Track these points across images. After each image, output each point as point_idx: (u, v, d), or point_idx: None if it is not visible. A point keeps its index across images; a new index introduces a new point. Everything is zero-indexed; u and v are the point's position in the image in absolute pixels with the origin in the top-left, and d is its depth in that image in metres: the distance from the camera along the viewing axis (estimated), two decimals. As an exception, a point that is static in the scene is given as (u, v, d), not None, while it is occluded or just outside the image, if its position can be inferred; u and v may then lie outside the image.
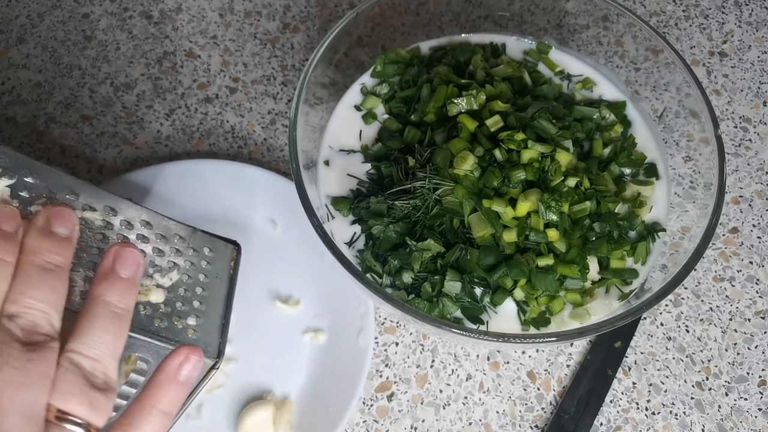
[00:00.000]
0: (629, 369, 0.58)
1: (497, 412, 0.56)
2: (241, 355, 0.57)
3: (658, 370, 0.58)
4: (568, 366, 0.58)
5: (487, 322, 0.51)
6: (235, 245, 0.49)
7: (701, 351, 0.59)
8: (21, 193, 0.40)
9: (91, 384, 0.36)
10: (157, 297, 0.43)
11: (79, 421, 0.35)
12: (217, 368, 0.45)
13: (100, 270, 0.40)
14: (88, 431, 0.36)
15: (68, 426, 0.35)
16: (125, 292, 0.39)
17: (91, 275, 0.41)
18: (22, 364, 0.34)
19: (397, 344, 0.58)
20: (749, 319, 0.60)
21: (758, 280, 0.62)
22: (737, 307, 0.61)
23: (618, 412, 0.56)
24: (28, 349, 0.34)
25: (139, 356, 0.42)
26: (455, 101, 0.55)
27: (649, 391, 0.57)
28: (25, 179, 0.41)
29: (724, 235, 0.64)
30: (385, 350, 0.58)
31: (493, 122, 0.53)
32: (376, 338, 0.57)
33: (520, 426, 0.56)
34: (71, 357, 0.36)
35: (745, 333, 0.60)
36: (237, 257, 0.49)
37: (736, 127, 0.70)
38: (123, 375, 0.43)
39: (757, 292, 0.62)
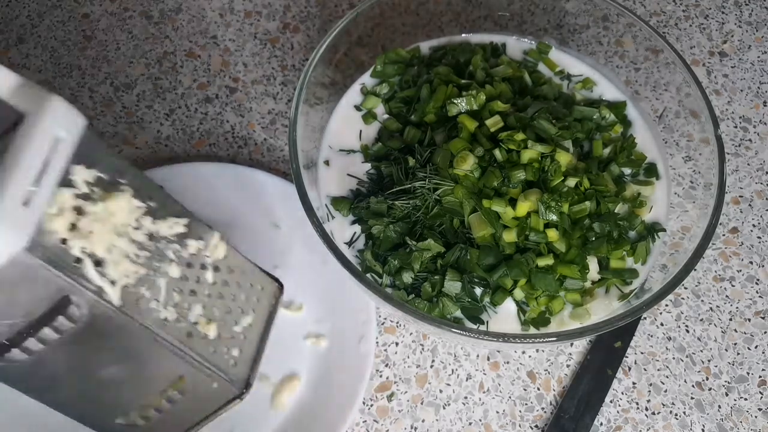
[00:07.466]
0: (629, 369, 0.58)
1: (497, 412, 0.56)
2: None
3: (658, 370, 0.58)
4: (568, 366, 0.58)
5: (487, 322, 0.51)
6: (279, 284, 0.51)
7: (701, 351, 0.59)
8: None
9: None
10: (213, 332, 0.45)
11: None
12: (242, 400, 0.47)
13: None
14: None
15: None
16: None
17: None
18: None
19: (397, 344, 0.58)
20: (749, 319, 0.60)
21: (758, 280, 0.62)
22: (737, 307, 0.61)
23: (618, 412, 0.56)
24: None
25: (187, 377, 0.44)
26: (455, 101, 0.55)
27: (649, 391, 0.57)
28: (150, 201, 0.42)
29: (724, 235, 0.64)
30: (385, 350, 0.58)
31: (493, 122, 0.53)
32: (376, 338, 0.57)
33: (520, 426, 0.56)
34: None
35: (745, 333, 0.60)
36: (279, 296, 0.51)
37: (736, 127, 0.70)
38: (165, 394, 0.45)
39: (757, 292, 0.62)
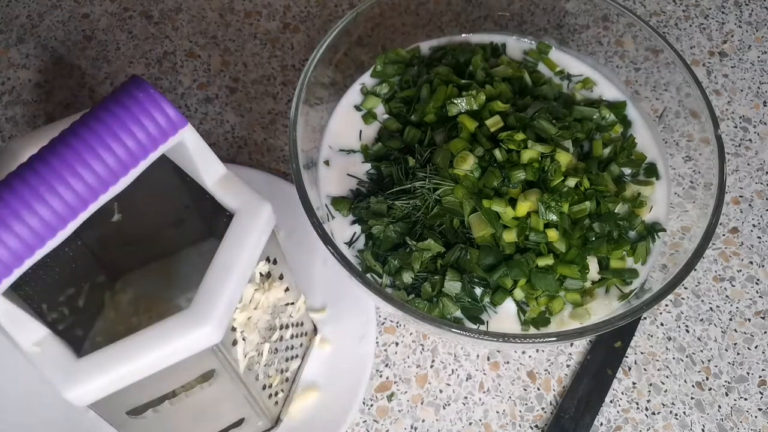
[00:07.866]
0: (629, 369, 0.58)
1: (497, 412, 0.56)
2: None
3: (658, 370, 0.58)
4: (568, 366, 0.58)
5: (487, 322, 0.51)
6: (315, 328, 0.54)
7: (701, 351, 0.59)
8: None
9: None
10: (276, 382, 0.47)
11: None
12: None
13: None
14: None
15: None
16: None
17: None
18: None
19: (397, 344, 0.58)
20: (749, 319, 0.60)
21: (758, 280, 0.62)
22: (737, 307, 0.61)
23: (618, 412, 0.56)
24: None
25: (246, 419, 0.46)
26: (455, 101, 0.55)
27: (649, 391, 0.57)
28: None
29: (724, 235, 0.64)
30: (385, 350, 0.58)
31: (493, 122, 0.53)
32: (376, 338, 0.57)
33: (520, 426, 0.56)
34: None
35: (745, 333, 0.60)
36: (313, 339, 0.54)
37: (736, 127, 0.70)
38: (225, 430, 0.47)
39: (757, 292, 0.62)
